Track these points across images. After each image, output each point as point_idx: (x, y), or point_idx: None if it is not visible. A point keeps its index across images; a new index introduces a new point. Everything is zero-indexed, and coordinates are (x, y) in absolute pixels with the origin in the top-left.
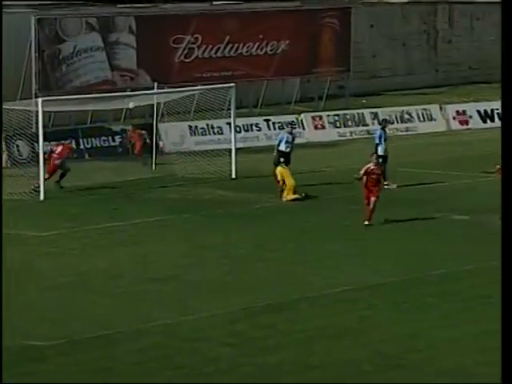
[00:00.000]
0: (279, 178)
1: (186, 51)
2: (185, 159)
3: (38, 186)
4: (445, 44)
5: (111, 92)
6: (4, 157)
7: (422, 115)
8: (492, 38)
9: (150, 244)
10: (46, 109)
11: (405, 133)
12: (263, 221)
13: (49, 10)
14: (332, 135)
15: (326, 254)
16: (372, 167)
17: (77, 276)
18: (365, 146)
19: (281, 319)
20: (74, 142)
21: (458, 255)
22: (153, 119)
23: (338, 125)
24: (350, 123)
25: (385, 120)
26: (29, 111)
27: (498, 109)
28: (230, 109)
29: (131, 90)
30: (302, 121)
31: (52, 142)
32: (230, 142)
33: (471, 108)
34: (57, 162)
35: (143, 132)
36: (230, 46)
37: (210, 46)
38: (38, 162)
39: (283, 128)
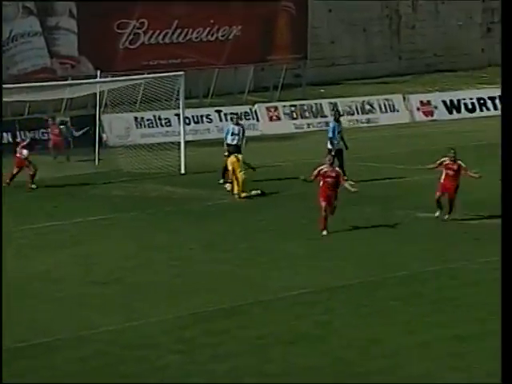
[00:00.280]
0: (229, 167)
1: (131, 37)
2: (130, 153)
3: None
4: (408, 29)
5: (51, 81)
6: None
7: (384, 106)
8: (460, 22)
9: (93, 244)
10: None
11: (366, 125)
12: (215, 219)
13: None
14: (288, 127)
15: (282, 254)
16: (325, 169)
17: (13, 280)
18: (323, 138)
19: (234, 324)
20: (10, 134)
21: (424, 255)
22: (95, 110)
23: (295, 116)
24: (307, 114)
25: (337, 111)
26: None
27: (464, 99)
28: (178, 99)
29: (72, 79)
30: (255, 112)
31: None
32: (179, 134)
33: (436, 98)
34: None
35: (62, 126)
36: (179, 31)
37: (157, 32)
38: None
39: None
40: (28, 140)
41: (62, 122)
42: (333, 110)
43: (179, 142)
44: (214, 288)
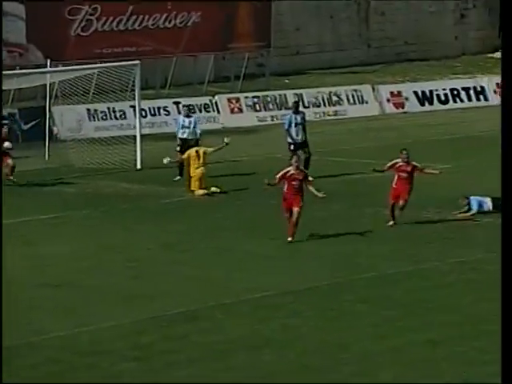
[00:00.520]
0: (184, 156)
1: (83, 23)
2: (83, 147)
3: None
4: (377, 16)
5: None
6: None
7: (353, 97)
8: (431, 8)
9: (43, 245)
10: None
11: (333, 117)
12: (174, 217)
13: None
14: (250, 120)
15: (244, 254)
16: (292, 172)
17: None
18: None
19: (193, 329)
20: None
21: (394, 255)
22: (45, 102)
23: (258, 108)
24: (270, 106)
25: (295, 102)
26: None
27: (437, 90)
28: (134, 90)
29: (20, 68)
30: (216, 103)
31: None
32: (135, 127)
33: (407, 89)
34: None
35: (5, 122)
36: (134, 17)
37: (111, 18)
38: None
39: (194, 112)
40: None
41: (6, 118)
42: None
43: (135, 136)
44: (173, 291)
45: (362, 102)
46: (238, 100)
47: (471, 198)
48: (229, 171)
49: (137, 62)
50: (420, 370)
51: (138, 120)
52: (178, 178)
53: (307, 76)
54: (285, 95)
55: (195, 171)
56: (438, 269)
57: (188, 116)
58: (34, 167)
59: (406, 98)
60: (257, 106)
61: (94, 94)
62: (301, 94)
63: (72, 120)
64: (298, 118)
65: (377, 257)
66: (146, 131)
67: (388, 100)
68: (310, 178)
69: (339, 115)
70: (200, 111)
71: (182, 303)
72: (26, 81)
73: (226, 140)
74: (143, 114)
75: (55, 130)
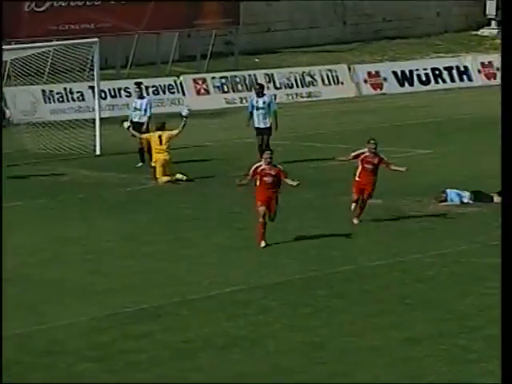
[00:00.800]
0: (143, 137)
1: None
2: (38, 131)
3: None
4: None
5: None
6: None
7: (327, 77)
8: None
9: None
10: None
11: (306, 99)
12: (135, 207)
13: None
14: (218, 102)
15: (211, 246)
16: (263, 167)
17: None
18: None
19: (157, 327)
20: None
21: (372, 248)
22: None
23: (226, 89)
24: (239, 87)
25: (258, 85)
26: None
27: (417, 70)
28: (92, 69)
29: None
30: (181, 84)
31: None
32: (94, 110)
33: (386, 69)
34: None
35: None
36: None
37: None
38: None
39: (158, 93)
40: None
41: None
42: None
43: (94, 119)
44: (135, 286)
45: (338, 83)
46: (204, 81)
47: (448, 191)
48: (195, 157)
49: (95, 39)
50: (400, 369)
51: (97, 102)
52: (140, 164)
53: (278, 55)
54: (254, 75)
55: (158, 157)
56: (419, 262)
57: (141, 97)
58: None
59: (385, 79)
60: (225, 87)
61: (49, 73)
62: (272, 75)
63: (26, 102)
64: (260, 102)
65: (353, 249)
66: (106, 114)
67: (365, 81)
68: (284, 171)
69: (313, 97)
70: (164, 93)
71: (144, 299)
72: None
73: (183, 113)
74: (103, 95)
75: (7, 112)
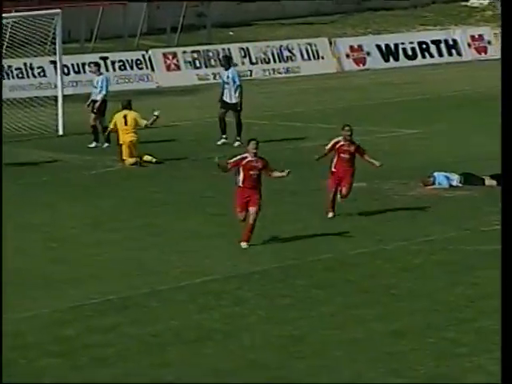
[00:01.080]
0: (111, 126)
1: None
2: None
3: None
4: None
5: None
6: None
7: (307, 52)
8: None
9: None
10: None
11: (284, 75)
12: (101, 191)
13: None
14: (189, 78)
15: (182, 233)
16: (249, 159)
17: None
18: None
19: (125, 320)
20: None
21: (354, 234)
22: None
23: (198, 65)
24: (212, 62)
25: (226, 57)
26: None
27: (403, 43)
28: (54, 43)
29: None
30: (150, 59)
31: None
32: (56, 87)
33: (369, 42)
34: None
35: None
36: None
37: None
38: None
39: (125, 69)
40: None
41: None
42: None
43: (56, 97)
44: (101, 275)
45: (318, 58)
46: (174, 55)
47: (436, 174)
48: (165, 137)
49: (57, 10)
50: (384, 364)
51: (59, 78)
52: (106, 145)
53: (254, 28)
54: (228, 49)
55: (124, 138)
56: (405, 249)
57: (100, 73)
58: None
59: (368, 53)
60: (196, 62)
61: (7, 47)
62: (247, 49)
63: None
64: (225, 75)
65: (335, 236)
66: (69, 91)
67: (347, 55)
68: (269, 165)
69: (291, 73)
70: (131, 68)
71: (111, 290)
72: None
73: (155, 113)
74: (65, 71)
75: None
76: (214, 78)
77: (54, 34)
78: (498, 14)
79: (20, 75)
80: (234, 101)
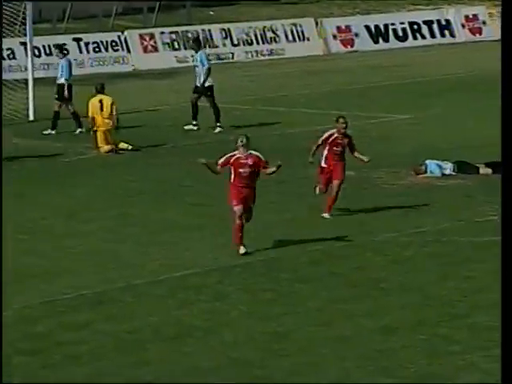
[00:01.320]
0: (90, 113)
1: None
2: None
3: None
4: None
5: None
6: None
7: (292, 33)
8: None
9: None
10: None
11: (268, 57)
12: (74, 180)
13: None
14: (168, 60)
15: (160, 224)
16: (238, 155)
17: None
18: (214, 75)
19: (99, 316)
20: None
21: (342, 225)
22: None
23: (176, 46)
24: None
25: (196, 39)
26: None
27: (393, 24)
28: (24, 24)
29: None
30: (125, 40)
31: None
32: (26, 69)
33: (358, 23)
34: None
35: None
36: None
37: None
38: None
39: (100, 51)
40: None
41: None
42: (227, 37)
43: (26, 80)
44: (74, 269)
45: (303, 39)
46: (152, 36)
47: (428, 162)
48: (141, 123)
49: None
50: (374, 362)
51: (29, 60)
52: (79, 130)
53: (236, 7)
54: (209, 30)
55: (99, 124)
56: (395, 241)
57: (62, 56)
58: None
59: (356, 34)
60: (175, 43)
61: None
62: (228, 30)
63: None
64: (196, 58)
65: (321, 226)
66: (40, 74)
67: (334, 36)
68: (263, 160)
69: (275, 55)
70: (106, 50)
71: (84, 284)
72: None
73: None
74: (36, 52)
75: None
76: (193, 61)
77: (24, 13)
78: None
79: None
80: (203, 84)
